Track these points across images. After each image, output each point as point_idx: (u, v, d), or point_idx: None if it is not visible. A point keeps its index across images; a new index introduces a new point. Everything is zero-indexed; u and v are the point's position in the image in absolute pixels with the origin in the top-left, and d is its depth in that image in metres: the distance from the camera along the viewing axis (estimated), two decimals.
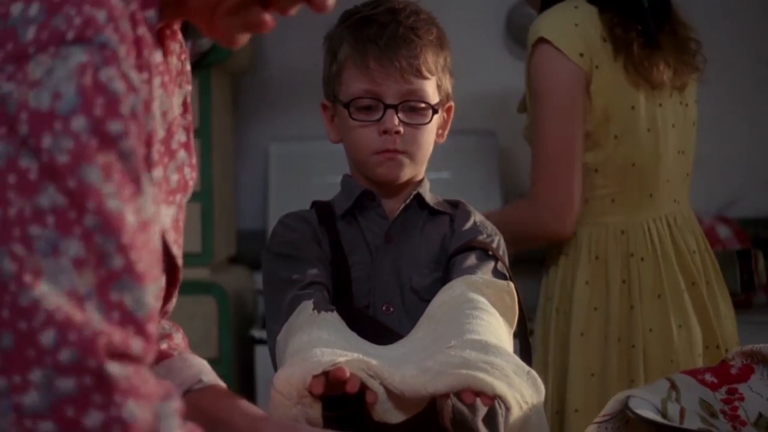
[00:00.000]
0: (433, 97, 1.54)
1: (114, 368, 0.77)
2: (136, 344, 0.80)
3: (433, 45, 1.54)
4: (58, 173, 0.79)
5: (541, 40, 1.96)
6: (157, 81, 0.98)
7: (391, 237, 1.55)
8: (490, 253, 1.52)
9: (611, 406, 1.29)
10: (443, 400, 1.32)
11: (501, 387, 1.17)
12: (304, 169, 3.38)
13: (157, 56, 0.99)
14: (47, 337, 0.75)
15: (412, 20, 1.53)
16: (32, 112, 0.79)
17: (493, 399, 1.18)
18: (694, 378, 1.35)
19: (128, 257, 0.81)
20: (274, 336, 1.41)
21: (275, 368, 1.42)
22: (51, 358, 0.74)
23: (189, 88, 1.14)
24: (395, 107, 1.52)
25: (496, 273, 1.49)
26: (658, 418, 1.24)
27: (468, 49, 3.25)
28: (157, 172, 1.00)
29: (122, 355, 0.78)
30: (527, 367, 1.25)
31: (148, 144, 0.94)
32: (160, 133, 1.00)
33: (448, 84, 1.58)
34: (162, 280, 0.91)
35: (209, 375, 1.20)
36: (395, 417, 1.22)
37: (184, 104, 1.12)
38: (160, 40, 1.05)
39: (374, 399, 1.20)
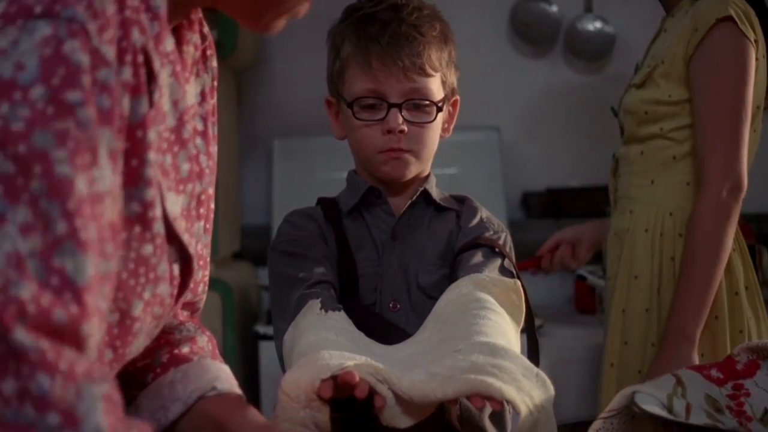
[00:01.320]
0: (438, 94, 1.53)
1: (23, 337, 0.76)
2: (59, 314, 0.79)
3: (437, 41, 1.52)
4: (10, 140, 0.79)
5: (728, 19, 2.01)
6: (167, 70, 0.98)
7: (398, 234, 1.55)
8: (497, 250, 1.51)
9: (617, 401, 1.28)
10: (451, 405, 1.31)
11: (509, 391, 1.16)
12: (307, 164, 3.38)
13: (168, 45, 0.99)
14: None
15: (414, 17, 1.52)
16: None
17: (501, 404, 1.17)
18: (699, 373, 1.34)
19: (73, 223, 0.80)
20: (281, 335, 1.41)
21: (282, 367, 1.41)
22: None
23: (207, 77, 1.13)
24: (399, 106, 1.51)
25: (503, 270, 1.49)
26: (663, 414, 1.24)
27: (472, 44, 3.25)
28: (167, 159, 1.00)
29: (39, 327, 0.77)
30: (536, 369, 1.24)
31: (143, 126, 0.93)
32: (170, 122, 1.00)
33: (453, 78, 1.57)
34: (111, 263, 0.89)
35: (224, 382, 1.18)
36: (403, 422, 1.21)
37: (202, 93, 1.12)
38: (177, 30, 1.04)
39: (382, 404, 1.19)
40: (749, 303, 2.10)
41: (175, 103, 1.01)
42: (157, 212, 0.98)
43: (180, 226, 1.04)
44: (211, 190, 1.16)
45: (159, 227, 0.99)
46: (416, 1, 1.56)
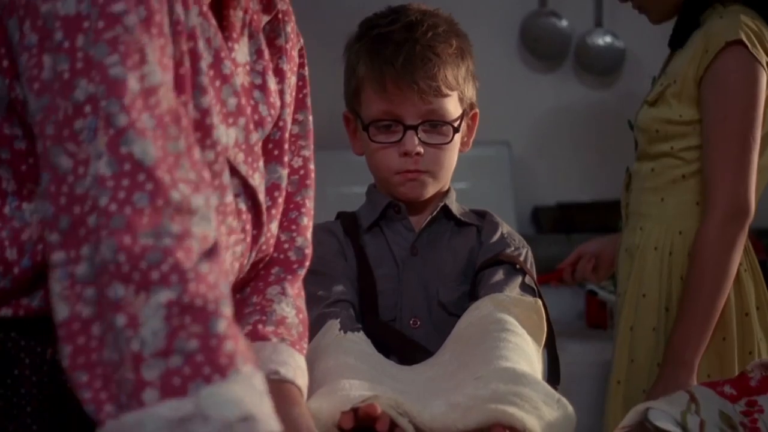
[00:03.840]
0: (455, 112, 1.51)
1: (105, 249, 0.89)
2: (138, 197, 0.90)
3: (453, 58, 1.50)
4: (87, 66, 0.92)
5: (737, 42, 1.99)
6: (195, 9, 1.07)
7: (417, 250, 1.54)
8: (518, 266, 1.50)
9: (630, 417, 1.28)
10: None
11: (531, 421, 1.15)
12: (318, 179, 3.37)
13: None
14: (92, 220, 0.89)
15: (429, 36, 1.49)
16: (62, 18, 0.93)
17: None
18: (713, 390, 1.34)
19: (130, 115, 0.92)
20: None
21: None
22: (95, 236, 0.89)
23: (260, 37, 1.19)
24: (415, 128, 1.49)
25: (524, 287, 1.47)
26: (677, 431, 1.23)
27: (482, 59, 3.24)
28: (208, 95, 1.07)
29: (123, 228, 0.90)
30: (557, 395, 1.23)
31: (194, 36, 1.05)
32: (207, 58, 1.08)
33: (471, 92, 1.55)
34: (181, 142, 0.96)
35: (290, 370, 1.17)
36: None
37: (258, 51, 1.18)
38: None
39: None
40: (761, 323, 2.08)
41: (207, 41, 1.08)
42: (215, 120, 1.07)
43: (236, 156, 1.10)
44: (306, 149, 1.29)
45: (219, 134, 1.07)
46: (432, 17, 1.52)
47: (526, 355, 1.32)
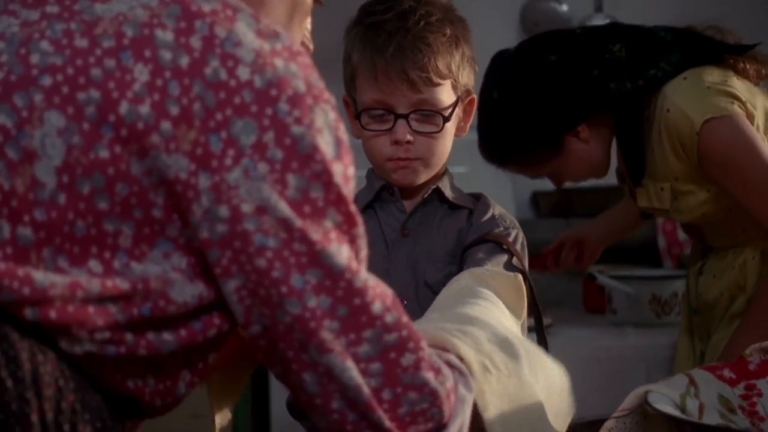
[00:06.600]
0: (448, 100, 1.52)
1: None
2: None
3: (446, 46, 1.50)
4: (340, 200, 1.03)
5: (707, 121, 1.90)
6: None
7: (408, 231, 1.55)
8: (505, 246, 1.50)
9: (630, 400, 1.28)
10: None
11: (465, 349, 1.14)
12: None
13: None
14: (376, 307, 1.04)
15: (421, 25, 1.49)
16: (323, 153, 1.00)
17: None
18: (712, 374, 1.34)
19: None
20: None
21: None
22: (380, 321, 1.03)
23: None
24: (406, 117, 1.50)
25: (510, 267, 1.47)
26: (677, 414, 1.23)
27: (482, 44, 3.23)
28: None
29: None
30: (508, 336, 1.21)
31: None
32: None
33: (467, 79, 1.55)
34: None
35: None
36: None
37: None
38: None
39: None
40: None
41: None
42: None
43: None
44: None
45: None
46: (426, 6, 1.52)
47: (495, 318, 1.30)
